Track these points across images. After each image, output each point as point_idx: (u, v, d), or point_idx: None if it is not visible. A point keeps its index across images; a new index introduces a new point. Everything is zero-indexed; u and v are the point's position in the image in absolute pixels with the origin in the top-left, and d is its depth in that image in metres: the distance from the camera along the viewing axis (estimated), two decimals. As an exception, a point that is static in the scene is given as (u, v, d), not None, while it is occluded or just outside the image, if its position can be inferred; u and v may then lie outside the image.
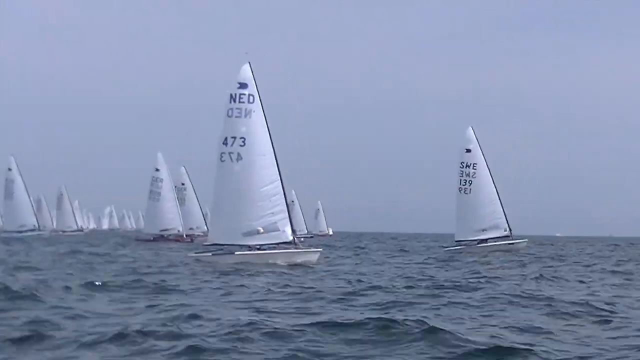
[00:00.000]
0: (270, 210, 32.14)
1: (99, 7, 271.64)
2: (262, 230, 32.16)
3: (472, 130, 48.49)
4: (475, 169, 47.81)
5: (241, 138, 31.84)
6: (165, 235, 64.92)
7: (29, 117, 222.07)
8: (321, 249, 34.60)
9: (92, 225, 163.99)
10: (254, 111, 32.00)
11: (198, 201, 68.73)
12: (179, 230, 66.16)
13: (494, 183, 48.23)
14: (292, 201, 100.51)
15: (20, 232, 68.92)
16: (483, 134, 50.12)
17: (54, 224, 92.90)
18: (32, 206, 73.53)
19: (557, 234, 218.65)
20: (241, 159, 31.85)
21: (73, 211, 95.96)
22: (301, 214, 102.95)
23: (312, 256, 32.44)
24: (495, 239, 47.34)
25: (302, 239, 34.90)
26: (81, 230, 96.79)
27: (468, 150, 48.16)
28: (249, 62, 32.46)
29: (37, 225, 71.53)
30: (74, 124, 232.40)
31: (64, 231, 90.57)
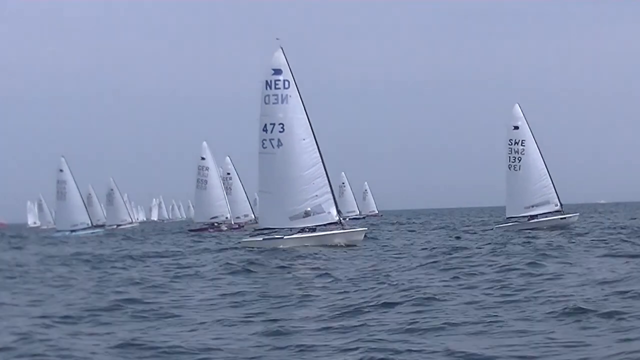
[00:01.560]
0: (314, 193, 33.50)
1: (134, 3, 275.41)
2: (308, 213, 33.75)
3: (518, 107, 49.68)
4: (523, 146, 48.99)
5: (280, 124, 32.97)
6: (216, 224, 67.11)
7: (72, 112, 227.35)
8: (366, 229, 36.10)
9: (141, 217, 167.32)
10: (290, 96, 33.06)
11: (244, 190, 70.71)
12: (227, 217, 68.16)
13: (542, 158, 49.38)
14: (343, 183, 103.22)
15: (73, 230, 71.22)
16: (529, 109, 51.39)
17: (106, 218, 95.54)
18: (85, 205, 75.85)
19: (602, 201, 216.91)
20: (282, 144, 33.03)
21: (125, 204, 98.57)
22: (352, 196, 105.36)
23: (358, 235, 33.84)
24: (547, 214, 48.53)
25: (348, 219, 36.37)
26: (131, 222, 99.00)
27: (516, 127, 49.39)
28: (281, 47, 33.36)
29: (90, 223, 73.87)
30: (110, 117, 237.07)
31: (118, 225, 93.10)
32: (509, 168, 49.21)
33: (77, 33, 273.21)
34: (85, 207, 75.03)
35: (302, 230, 33.49)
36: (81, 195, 73.92)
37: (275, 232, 33.61)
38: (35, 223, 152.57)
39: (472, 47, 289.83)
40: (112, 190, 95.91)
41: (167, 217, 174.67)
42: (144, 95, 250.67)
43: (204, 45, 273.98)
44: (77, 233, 69.71)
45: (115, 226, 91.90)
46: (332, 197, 33.92)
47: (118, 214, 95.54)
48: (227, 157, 71.48)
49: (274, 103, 33.13)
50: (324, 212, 33.75)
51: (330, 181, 34.05)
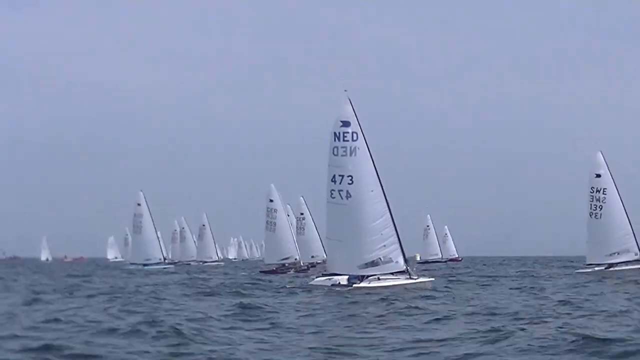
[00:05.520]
0: (382, 243, 36.30)
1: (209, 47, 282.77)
2: (376, 262, 36.60)
3: (601, 155, 52.36)
4: (605, 194, 51.70)
5: (349, 176, 35.83)
6: (287, 264, 70.80)
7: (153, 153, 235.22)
8: (433, 279, 38.71)
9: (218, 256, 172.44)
10: (358, 148, 35.94)
11: (317, 230, 74.05)
12: (296, 259, 71.66)
13: (624, 207, 51.91)
14: (428, 226, 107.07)
15: (146, 265, 75.45)
16: (611, 156, 53.96)
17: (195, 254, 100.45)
18: (159, 240, 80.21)
19: None
20: (350, 196, 35.88)
21: (214, 241, 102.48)
22: (436, 239, 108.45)
23: (425, 285, 36.55)
24: (626, 263, 51.02)
25: (415, 269, 39.06)
26: (217, 260, 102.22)
27: (598, 175, 52.07)
28: (349, 99, 36.31)
29: (162, 259, 78.20)
30: (185, 157, 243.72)
31: (204, 262, 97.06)
32: (590, 216, 51.97)
33: (156, 67, 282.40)
34: (160, 243, 79.31)
35: (367, 277, 36.04)
36: (156, 231, 78.16)
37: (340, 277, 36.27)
38: (116, 257, 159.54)
39: (552, 92, 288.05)
40: (203, 225, 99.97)
41: (246, 256, 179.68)
42: (216, 138, 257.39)
43: (279, 90, 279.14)
44: (149, 267, 73.76)
45: (200, 262, 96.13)
46: (399, 246, 36.69)
47: (205, 251, 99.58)
48: (301, 197, 75.29)
49: (342, 155, 36.03)
50: (392, 261, 36.56)
51: (398, 231, 36.72)
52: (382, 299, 29.03)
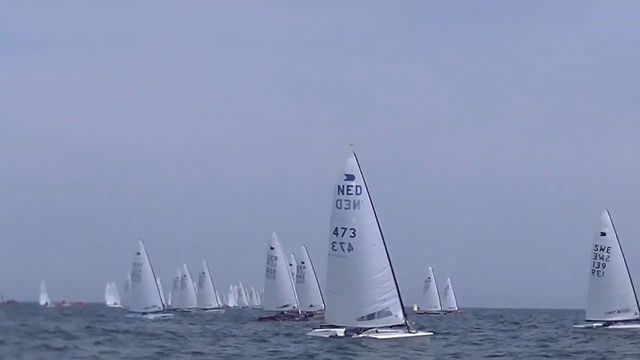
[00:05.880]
0: (382, 297, 36.76)
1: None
2: (374, 315, 37.04)
3: (607, 214, 53.11)
4: (609, 252, 52.37)
5: (351, 229, 36.34)
6: (285, 312, 71.39)
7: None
8: (432, 333, 39.09)
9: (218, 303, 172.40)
10: (362, 202, 36.46)
11: (317, 279, 74.74)
12: (294, 307, 72.47)
13: (627, 266, 52.64)
14: (429, 278, 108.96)
15: (144, 313, 75.83)
16: (617, 214, 54.67)
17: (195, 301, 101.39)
18: (158, 288, 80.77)
19: None
20: (352, 249, 36.39)
21: (214, 288, 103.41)
22: (436, 291, 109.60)
23: (424, 340, 36.98)
24: (625, 322, 51.61)
25: (414, 323, 39.49)
26: (218, 308, 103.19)
27: (603, 234, 52.82)
28: (354, 153, 36.93)
29: (161, 307, 78.64)
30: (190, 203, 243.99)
31: (204, 309, 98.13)
32: (593, 273, 52.74)
33: (156, 114, 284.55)
34: (159, 291, 79.92)
35: (364, 330, 36.50)
36: (156, 279, 78.74)
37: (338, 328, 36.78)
38: (115, 303, 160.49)
39: (559, 148, 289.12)
40: (203, 273, 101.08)
41: (246, 304, 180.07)
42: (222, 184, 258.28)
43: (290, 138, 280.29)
44: (148, 316, 74.12)
45: (201, 309, 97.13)
46: (399, 300, 37.17)
47: (206, 298, 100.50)
48: (303, 247, 76.25)
49: (345, 208, 36.59)
50: (391, 314, 37.03)
51: (398, 284, 37.21)
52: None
